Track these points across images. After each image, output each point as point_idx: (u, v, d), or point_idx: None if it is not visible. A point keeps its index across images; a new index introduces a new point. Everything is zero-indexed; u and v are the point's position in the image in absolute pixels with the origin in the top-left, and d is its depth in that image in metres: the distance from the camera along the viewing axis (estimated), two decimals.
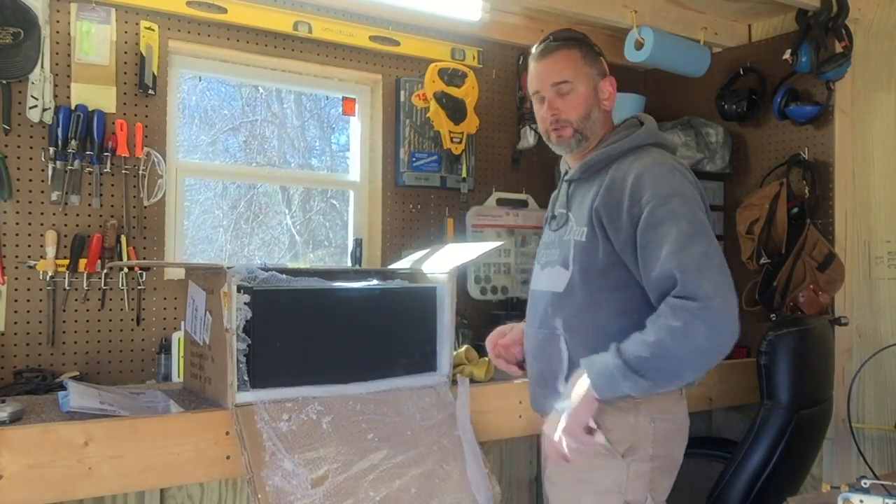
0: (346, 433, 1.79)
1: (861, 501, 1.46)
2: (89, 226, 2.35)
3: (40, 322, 2.28)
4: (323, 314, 1.85)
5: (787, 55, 2.87)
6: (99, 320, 2.36)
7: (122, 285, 2.39)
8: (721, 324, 1.50)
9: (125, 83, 2.42)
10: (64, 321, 2.31)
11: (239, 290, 1.79)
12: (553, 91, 1.73)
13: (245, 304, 1.78)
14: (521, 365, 1.89)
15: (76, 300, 2.33)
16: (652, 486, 1.65)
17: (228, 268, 1.77)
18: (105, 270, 2.34)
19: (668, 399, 1.67)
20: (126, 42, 2.42)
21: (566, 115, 1.72)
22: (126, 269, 2.38)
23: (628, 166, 1.64)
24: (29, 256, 2.27)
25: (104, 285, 2.36)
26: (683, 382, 1.63)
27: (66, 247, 2.31)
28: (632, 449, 1.64)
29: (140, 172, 2.43)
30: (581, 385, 1.56)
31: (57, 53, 2.31)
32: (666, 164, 1.64)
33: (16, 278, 2.25)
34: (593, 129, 1.74)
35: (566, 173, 1.82)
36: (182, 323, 2.42)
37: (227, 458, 1.73)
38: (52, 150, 2.27)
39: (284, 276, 1.87)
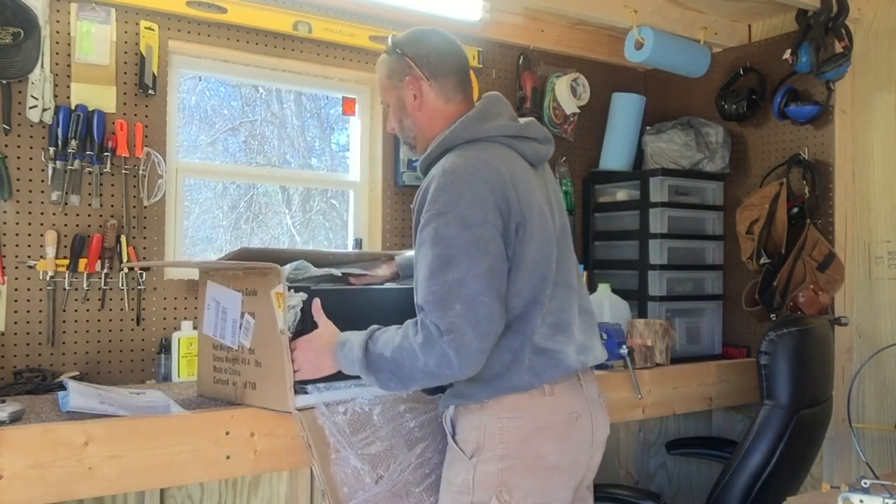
0: (393, 424, 1.82)
1: (861, 501, 1.46)
2: (89, 226, 2.35)
3: (40, 322, 2.28)
4: (370, 311, 1.86)
5: (787, 55, 2.87)
6: (99, 320, 2.36)
7: (122, 285, 2.38)
8: (450, 356, 1.50)
9: (125, 83, 2.42)
10: (64, 321, 2.31)
11: (295, 290, 1.80)
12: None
13: (299, 302, 1.79)
14: None
15: (76, 300, 2.33)
16: (505, 488, 1.60)
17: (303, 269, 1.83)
18: (105, 270, 2.34)
19: (521, 398, 1.62)
20: (126, 42, 2.42)
21: (391, 128, 1.83)
22: (126, 269, 2.37)
23: (432, 173, 1.63)
24: (29, 256, 2.27)
25: (104, 285, 2.36)
26: (408, 391, 1.75)
27: (66, 247, 2.31)
28: (479, 449, 1.62)
29: (140, 172, 2.43)
30: (329, 346, 1.70)
31: (57, 53, 2.31)
32: (454, 172, 1.58)
33: (16, 278, 2.25)
34: (414, 134, 1.78)
35: None
36: (183, 323, 2.42)
37: (228, 458, 1.73)
38: (52, 150, 2.27)
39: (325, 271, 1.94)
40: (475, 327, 1.50)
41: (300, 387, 1.77)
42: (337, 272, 2.02)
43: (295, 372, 1.75)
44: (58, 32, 2.31)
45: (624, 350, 2.41)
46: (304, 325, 1.80)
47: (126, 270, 2.37)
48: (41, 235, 2.28)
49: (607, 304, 2.73)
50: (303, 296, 1.80)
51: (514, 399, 1.61)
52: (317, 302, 1.78)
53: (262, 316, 1.79)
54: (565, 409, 1.65)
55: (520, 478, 1.61)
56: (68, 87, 2.32)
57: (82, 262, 2.31)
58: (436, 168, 1.63)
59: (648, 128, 3.32)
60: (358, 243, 2.93)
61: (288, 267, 1.89)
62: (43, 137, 2.28)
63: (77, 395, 1.74)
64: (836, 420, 2.69)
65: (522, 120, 1.77)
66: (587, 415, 1.69)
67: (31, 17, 2.19)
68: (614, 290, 2.80)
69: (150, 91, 2.44)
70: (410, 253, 1.91)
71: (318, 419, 1.74)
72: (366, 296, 1.98)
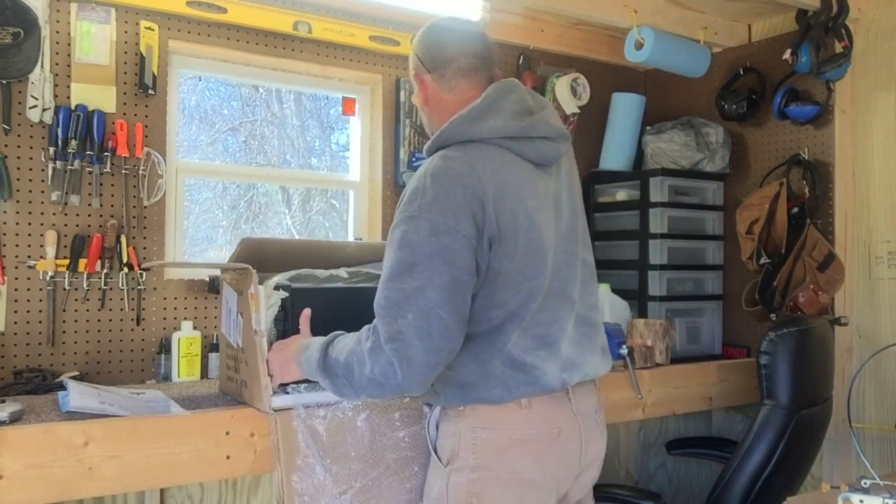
0: (379, 433, 1.77)
1: (861, 501, 1.46)
2: (89, 226, 2.35)
3: (40, 322, 2.28)
4: (357, 312, 1.85)
5: (787, 55, 2.87)
6: (99, 320, 2.36)
7: (122, 285, 2.38)
8: (394, 366, 1.44)
9: (125, 83, 2.42)
10: (64, 321, 2.31)
11: (276, 289, 1.78)
12: None
13: (281, 301, 1.78)
14: None
15: (76, 300, 2.33)
16: (476, 500, 1.55)
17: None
18: (105, 270, 2.34)
19: (495, 409, 1.55)
20: (126, 42, 2.42)
21: None
22: (126, 269, 2.37)
23: (416, 173, 1.56)
24: (29, 256, 2.27)
25: (104, 285, 2.36)
26: (360, 400, 1.71)
27: (66, 247, 2.31)
28: (453, 457, 1.57)
29: (140, 172, 2.43)
30: (296, 351, 1.66)
31: (57, 53, 2.31)
32: (434, 175, 1.51)
33: (16, 278, 2.25)
34: (430, 129, 1.73)
35: None
36: (183, 323, 2.43)
37: (227, 458, 1.73)
38: (52, 150, 2.27)
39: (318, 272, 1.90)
40: (425, 339, 1.42)
41: (281, 387, 1.75)
42: (344, 274, 2.00)
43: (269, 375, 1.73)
44: (58, 32, 2.31)
45: (624, 350, 2.40)
46: (286, 325, 1.78)
47: (126, 270, 2.37)
48: (41, 235, 2.28)
49: (607, 304, 2.73)
50: (282, 294, 1.79)
51: (489, 410, 1.55)
52: (307, 312, 1.75)
53: (247, 316, 1.80)
54: (545, 424, 1.57)
55: (491, 491, 1.55)
56: (68, 87, 2.32)
57: (82, 262, 2.31)
58: (422, 167, 1.56)
59: (648, 128, 3.32)
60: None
61: (289, 275, 1.89)
62: (43, 137, 2.28)
63: (77, 394, 1.74)
64: (836, 420, 2.69)
65: (539, 112, 1.65)
66: (574, 430, 1.61)
67: (31, 17, 2.20)
68: (614, 290, 2.80)
69: (150, 91, 2.44)
70: None
71: (293, 421, 1.70)
72: (349, 295, 1.94)
